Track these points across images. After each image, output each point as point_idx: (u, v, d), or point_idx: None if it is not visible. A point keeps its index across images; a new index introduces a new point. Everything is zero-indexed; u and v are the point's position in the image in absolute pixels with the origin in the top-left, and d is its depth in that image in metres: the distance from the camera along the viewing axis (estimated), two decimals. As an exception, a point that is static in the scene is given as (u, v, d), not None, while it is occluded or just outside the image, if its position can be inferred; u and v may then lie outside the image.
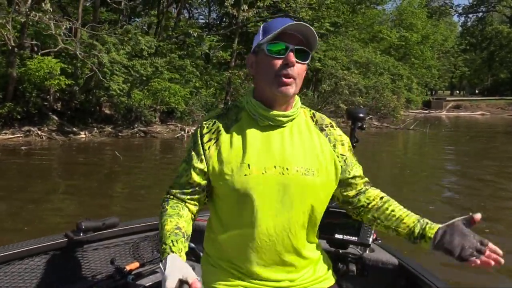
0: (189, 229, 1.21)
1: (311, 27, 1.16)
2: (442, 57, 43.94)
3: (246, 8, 13.25)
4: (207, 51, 17.47)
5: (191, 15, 27.40)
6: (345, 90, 18.61)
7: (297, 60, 1.18)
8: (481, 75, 57.24)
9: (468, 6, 52.50)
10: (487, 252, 1.11)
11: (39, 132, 12.85)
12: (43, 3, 9.63)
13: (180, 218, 1.21)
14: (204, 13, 27.32)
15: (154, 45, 13.37)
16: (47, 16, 9.46)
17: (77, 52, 10.49)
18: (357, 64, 23.41)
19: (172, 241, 1.12)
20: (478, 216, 1.14)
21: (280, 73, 1.17)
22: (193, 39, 17.35)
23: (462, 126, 25.88)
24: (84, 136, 13.44)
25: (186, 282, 1.00)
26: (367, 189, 1.33)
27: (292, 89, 1.19)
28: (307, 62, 1.22)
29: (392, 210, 1.28)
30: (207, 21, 25.83)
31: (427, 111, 35.70)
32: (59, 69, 11.58)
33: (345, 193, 1.32)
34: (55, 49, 10.37)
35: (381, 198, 1.32)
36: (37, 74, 11.60)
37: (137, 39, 12.68)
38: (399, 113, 21.70)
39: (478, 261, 1.10)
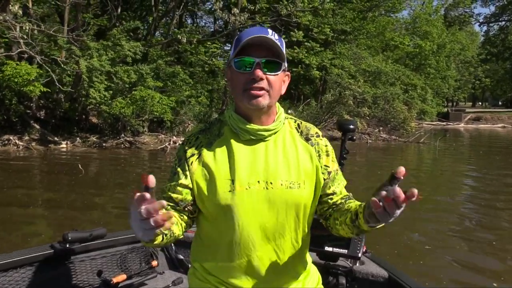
0: (178, 222, 1.17)
1: (273, 38, 1.13)
2: (461, 67, 42.31)
3: (238, 11, 12.46)
4: (206, 58, 16.71)
5: (196, 22, 26.94)
6: (349, 100, 17.53)
7: (266, 73, 1.15)
8: (504, 86, 55.05)
9: (489, 15, 50.71)
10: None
11: (17, 141, 12.28)
12: (10, 5, 9.02)
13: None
14: (210, 21, 26.87)
15: (139, 51, 12.66)
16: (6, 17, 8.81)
17: (37, 57, 9.81)
18: (366, 73, 22.33)
19: None
20: (401, 169, 0.93)
21: (247, 86, 1.15)
22: (191, 46, 16.72)
23: (479, 139, 24.41)
24: (65, 146, 12.79)
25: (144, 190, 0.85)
26: (341, 203, 1.29)
27: (264, 100, 1.16)
28: (278, 73, 1.18)
29: (348, 206, 1.23)
30: (213, 29, 25.28)
31: (444, 123, 34.27)
32: (36, 75, 11.01)
33: (320, 208, 1.30)
34: (14, 53, 9.71)
35: (346, 201, 1.28)
36: (15, 80, 11.05)
37: (120, 44, 11.99)
38: (409, 125, 20.42)
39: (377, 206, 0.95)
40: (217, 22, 25.08)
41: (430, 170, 11.86)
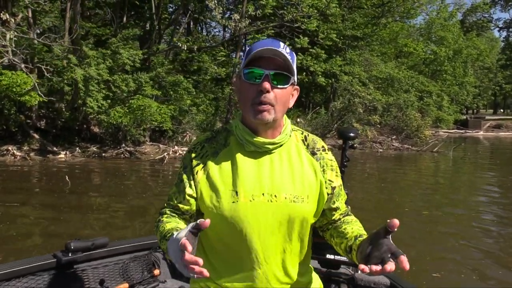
0: None
1: (283, 51, 1.14)
2: (480, 73, 41.05)
3: (238, 17, 12.08)
4: (212, 66, 16.34)
5: (208, 31, 26.75)
6: (358, 108, 16.92)
7: (274, 85, 1.16)
8: (527, 92, 53.24)
9: (509, 19, 49.31)
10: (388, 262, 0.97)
11: (14, 152, 12.10)
12: (1, 13, 8.86)
13: (178, 223, 1.21)
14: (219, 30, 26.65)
15: (139, 59, 12.38)
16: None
17: (21, 65, 9.58)
18: (378, 80, 21.66)
19: (176, 229, 1.11)
20: (394, 222, 0.98)
21: (255, 100, 1.16)
22: (197, 54, 16.44)
23: (499, 147, 23.40)
24: (63, 156, 12.56)
25: (196, 227, 0.98)
26: (339, 220, 1.31)
27: (269, 115, 1.16)
28: (286, 86, 1.18)
29: (345, 228, 1.25)
30: (223, 37, 25.00)
31: (463, 131, 33.20)
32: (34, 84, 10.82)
33: (320, 221, 1.31)
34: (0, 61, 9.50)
35: (343, 218, 1.32)
36: (13, 90, 10.88)
37: (118, 52, 11.73)
38: (423, 133, 19.64)
39: (367, 269, 0.97)
40: (226, 30, 24.83)
41: (441, 182, 11.19)
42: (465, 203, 8.26)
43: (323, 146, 1.31)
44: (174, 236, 1.00)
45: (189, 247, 0.91)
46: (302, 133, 1.32)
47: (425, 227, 6.27)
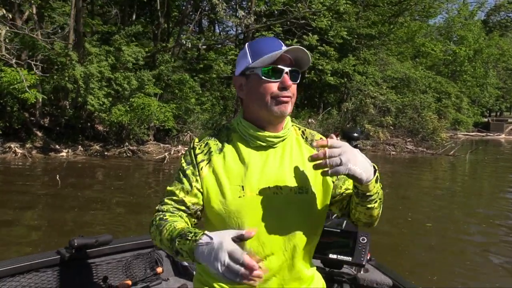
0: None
1: (305, 50, 1.20)
2: (503, 75, 39.68)
3: (243, 14, 11.72)
4: (221, 65, 16.01)
5: (223, 29, 26.44)
6: (370, 108, 16.33)
7: (291, 81, 1.20)
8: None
9: (535, 19, 47.53)
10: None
11: (16, 149, 12.00)
12: (-1, 8, 8.72)
13: (185, 223, 1.19)
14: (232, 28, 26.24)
15: (141, 57, 12.14)
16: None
17: (13, 61, 9.39)
18: (394, 80, 20.97)
19: (196, 230, 1.08)
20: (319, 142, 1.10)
21: (278, 95, 1.19)
22: (207, 52, 16.16)
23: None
24: (64, 154, 12.40)
25: (239, 237, 0.97)
26: None
27: (289, 108, 1.22)
28: (298, 82, 1.24)
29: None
30: (236, 36, 24.63)
31: (483, 134, 32.11)
32: (35, 81, 10.67)
33: (340, 206, 1.32)
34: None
35: None
36: (15, 87, 10.76)
37: (121, 49, 11.51)
38: (439, 135, 18.87)
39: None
40: (239, 29, 24.46)
41: (454, 188, 10.58)
42: (477, 211, 7.71)
43: (321, 138, 1.32)
44: (215, 243, 0.95)
45: (256, 265, 0.90)
46: (299, 128, 1.35)
47: (434, 238, 5.81)
